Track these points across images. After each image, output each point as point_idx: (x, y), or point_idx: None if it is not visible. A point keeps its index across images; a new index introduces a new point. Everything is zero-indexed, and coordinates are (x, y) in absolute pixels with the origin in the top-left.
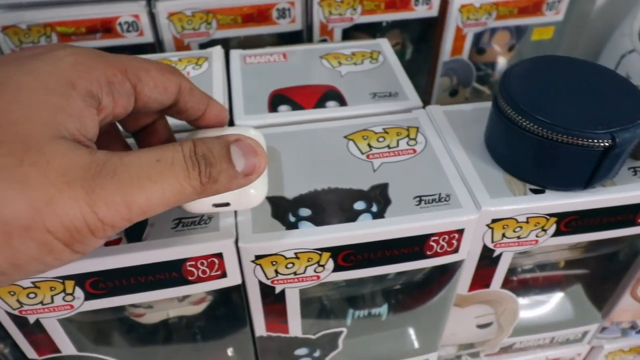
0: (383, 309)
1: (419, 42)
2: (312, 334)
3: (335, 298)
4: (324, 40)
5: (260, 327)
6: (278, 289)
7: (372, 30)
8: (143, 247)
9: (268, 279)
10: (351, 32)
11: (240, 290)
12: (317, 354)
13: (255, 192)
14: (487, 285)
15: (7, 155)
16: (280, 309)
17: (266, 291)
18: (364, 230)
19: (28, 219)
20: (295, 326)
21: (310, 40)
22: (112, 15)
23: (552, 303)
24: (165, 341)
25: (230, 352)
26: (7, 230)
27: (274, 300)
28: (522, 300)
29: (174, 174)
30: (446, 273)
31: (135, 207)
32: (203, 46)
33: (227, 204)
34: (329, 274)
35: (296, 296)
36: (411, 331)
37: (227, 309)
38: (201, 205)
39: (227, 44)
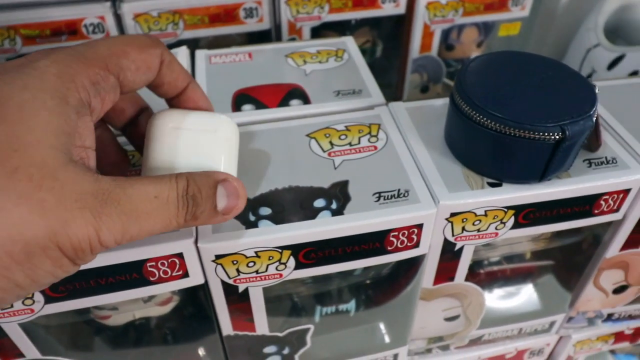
0: (351, 305)
1: (389, 40)
2: (279, 332)
3: (302, 295)
4: (293, 39)
5: (226, 326)
6: (241, 287)
7: (341, 29)
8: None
9: (230, 278)
10: (321, 31)
11: (204, 289)
12: (286, 351)
13: None
14: (452, 279)
15: (26, 181)
16: (245, 307)
17: (229, 290)
18: (323, 227)
19: (46, 240)
20: (261, 324)
21: (279, 39)
22: (77, 17)
23: (520, 294)
24: (135, 343)
25: (201, 352)
26: (29, 251)
27: (238, 299)
28: (491, 293)
29: (167, 212)
30: (410, 268)
31: (129, 234)
32: (171, 47)
33: None
34: (291, 272)
35: (260, 294)
36: (380, 326)
37: (194, 308)
38: None
39: (196, 45)
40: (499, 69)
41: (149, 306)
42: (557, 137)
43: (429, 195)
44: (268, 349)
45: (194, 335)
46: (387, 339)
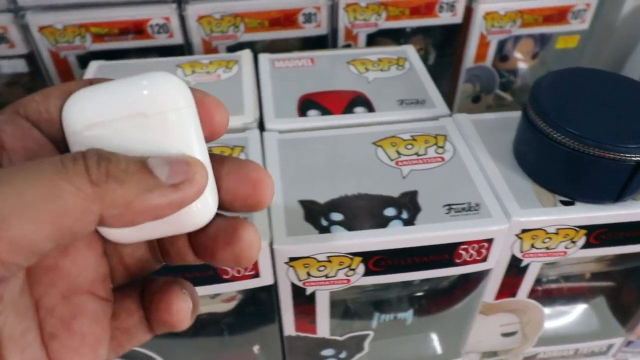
0: (408, 314)
1: (442, 48)
2: (339, 336)
3: (361, 301)
4: (348, 45)
5: (289, 326)
6: (309, 290)
7: (396, 36)
8: None
9: (300, 280)
10: (375, 37)
11: (270, 290)
12: (343, 355)
13: (201, 207)
14: (514, 295)
15: None
16: (310, 309)
17: (297, 292)
18: (395, 236)
19: None
20: (323, 327)
21: (334, 44)
22: (144, 18)
23: (576, 314)
24: (193, 335)
25: (256, 349)
26: None
27: (304, 301)
28: (547, 311)
29: (39, 172)
30: (473, 281)
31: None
32: (230, 49)
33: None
34: (359, 278)
35: (326, 298)
36: (435, 336)
37: (257, 307)
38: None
39: (253, 47)
40: (574, 85)
41: (215, 302)
42: (639, 158)
43: (501, 210)
44: (326, 352)
45: (254, 333)
46: (441, 350)
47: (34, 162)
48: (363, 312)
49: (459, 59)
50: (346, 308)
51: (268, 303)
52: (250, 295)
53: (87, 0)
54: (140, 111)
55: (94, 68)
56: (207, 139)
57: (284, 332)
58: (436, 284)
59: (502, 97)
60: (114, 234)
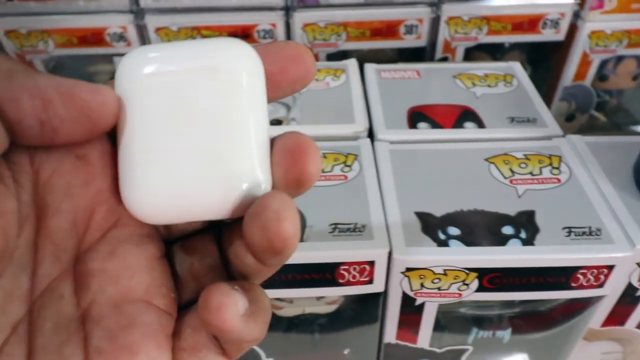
0: (507, 332)
1: (538, 64)
2: (437, 347)
3: (461, 315)
4: (445, 58)
5: (391, 334)
6: (419, 301)
7: (493, 50)
8: (302, 248)
9: (412, 290)
10: (472, 52)
11: (378, 297)
12: None
13: (251, 188)
14: (622, 323)
15: None
16: (415, 319)
17: (407, 302)
18: (515, 255)
19: None
20: (424, 338)
21: (431, 57)
22: (252, 23)
23: None
24: (286, 329)
25: (346, 352)
26: None
27: (411, 311)
28: None
29: None
30: (582, 305)
31: None
32: (330, 56)
33: None
34: (471, 294)
35: (434, 310)
36: (532, 358)
37: (357, 312)
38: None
39: (349, 56)
40: None
41: (320, 303)
42: None
43: (624, 236)
44: None
45: (348, 336)
46: None
47: None
48: (461, 327)
49: (556, 76)
50: (446, 320)
51: (371, 309)
52: (354, 300)
53: (202, 5)
54: (213, 65)
55: None
56: (293, 189)
57: (383, 338)
58: (541, 304)
59: (595, 117)
60: (136, 211)
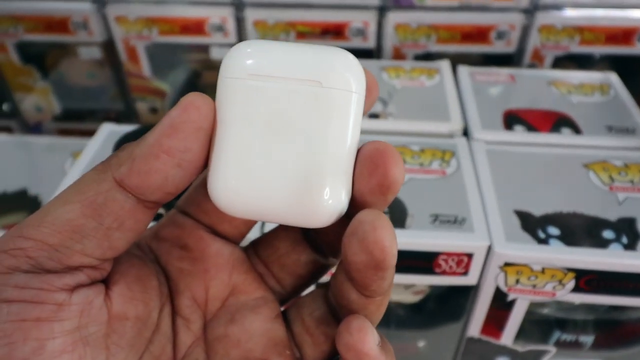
0: (589, 339)
1: (626, 78)
2: (520, 346)
3: (543, 315)
4: (533, 65)
5: (475, 328)
6: (511, 297)
7: (581, 61)
8: (403, 235)
9: (506, 286)
10: (561, 61)
11: (468, 290)
12: None
13: (331, 199)
14: None
15: None
16: (503, 315)
17: (498, 297)
18: (618, 259)
19: None
20: (509, 335)
21: (519, 63)
22: (346, 20)
23: None
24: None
25: (421, 344)
26: None
27: (501, 307)
28: None
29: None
30: None
31: None
32: (417, 57)
33: None
34: (566, 294)
35: (524, 307)
36: None
37: (442, 305)
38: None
39: (433, 58)
40: None
41: (406, 293)
42: None
43: None
44: (500, 359)
45: (431, 328)
46: None
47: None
48: (544, 328)
49: None
50: (530, 320)
51: (459, 302)
52: (439, 292)
53: (299, 1)
54: (317, 79)
55: None
56: (378, 195)
57: (466, 332)
58: (628, 313)
59: None
60: (219, 201)
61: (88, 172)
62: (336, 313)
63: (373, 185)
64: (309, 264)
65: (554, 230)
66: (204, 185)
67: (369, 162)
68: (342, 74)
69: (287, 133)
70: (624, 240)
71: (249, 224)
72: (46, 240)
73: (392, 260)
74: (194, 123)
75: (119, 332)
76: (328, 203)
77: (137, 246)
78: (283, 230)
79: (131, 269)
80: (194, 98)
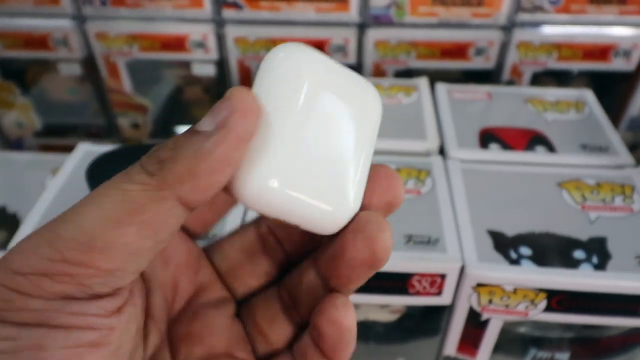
0: (565, 356)
1: (603, 93)
2: None
3: (519, 334)
4: (512, 82)
5: (451, 347)
6: (484, 316)
7: (560, 77)
8: None
9: (480, 306)
10: (539, 76)
11: (443, 310)
12: None
13: (340, 205)
14: None
15: None
16: (477, 334)
17: (472, 316)
18: (588, 280)
19: None
20: (484, 353)
21: (497, 79)
22: (326, 37)
23: None
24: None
25: None
26: None
27: (475, 326)
28: None
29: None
30: None
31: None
32: (398, 73)
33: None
34: (538, 314)
35: (498, 326)
36: None
37: (419, 323)
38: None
39: (414, 74)
40: None
41: (383, 312)
42: None
43: None
44: None
45: (404, 345)
46: None
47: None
48: (520, 346)
49: (622, 106)
50: (505, 338)
51: (434, 321)
52: (417, 311)
53: (279, 19)
54: (359, 94)
55: None
56: (384, 211)
57: (443, 351)
58: (602, 331)
59: None
60: (245, 195)
61: (133, 187)
62: (289, 311)
63: (384, 201)
64: (264, 275)
65: (525, 251)
66: None
67: (385, 180)
68: (374, 96)
69: (324, 134)
70: (594, 260)
71: (212, 223)
72: (100, 266)
73: (386, 261)
74: (253, 130)
75: (134, 343)
76: (348, 211)
77: None
78: (239, 238)
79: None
80: (250, 102)
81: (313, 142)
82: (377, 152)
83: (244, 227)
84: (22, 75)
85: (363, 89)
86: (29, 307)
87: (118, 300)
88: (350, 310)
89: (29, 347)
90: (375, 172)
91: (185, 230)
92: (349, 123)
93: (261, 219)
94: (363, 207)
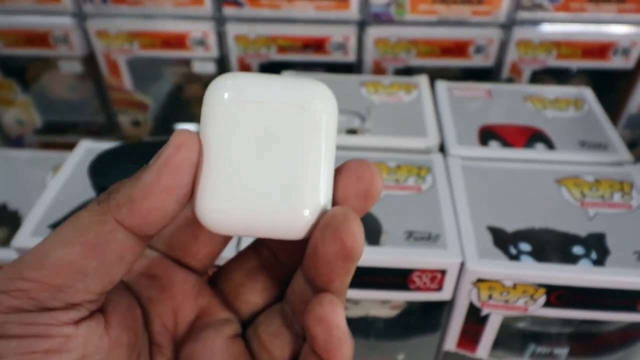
0: (564, 351)
1: (602, 91)
2: (496, 359)
3: (519, 329)
4: (511, 80)
5: (451, 342)
6: (484, 312)
7: (559, 75)
8: (378, 252)
9: (480, 301)
10: (538, 74)
11: (443, 305)
12: None
13: (307, 214)
14: None
15: None
16: (477, 329)
17: (472, 312)
18: (587, 275)
19: None
20: (484, 348)
21: (497, 77)
22: (326, 35)
23: None
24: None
25: (400, 357)
26: None
27: (475, 321)
28: None
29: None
30: None
31: None
32: (398, 71)
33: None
34: (537, 309)
35: (498, 321)
36: None
37: (420, 319)
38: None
39: (413, 72)
40: None
41: (384, 307)
42: None
43: None
44: None
45: (405, 342)
46: None
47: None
48: (519, 341)
49: (621, 103)
50: (505, 334)
51: (434, 317)
52: (417, 307)
53: (280, 16)
54: (299, 103)
55: None
56: (361, 201)
57: (443, 346)
58: (600, 326)
59: None
60: (207, 221)
61: (83, 213)
62: (291, 324)
63: (360, 191)
64: (264, 291)
65: (525, 246)
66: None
67: (356, 171)
68: (317, 97)
69: (268, 151)
70: (593, 256)
71: (213, 257)
72: (49, 282)
73: (360, 251)
74: (187, 160)
75: (116, 359)
76: (306, 214)
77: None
78: (239, 260)
79: (122, 298)
80: (185, 137)
81: (259, 161)
82: (378, 150)
83: (244, 250)
84: (23, 72)
85: (306, 93)
86: None
87: (72, 314)
88: (338, 307)
89: None
90: (346, 166)
91: (184, 265)
92: (294, 133)
93: (257, 241)
94: (339, 202)
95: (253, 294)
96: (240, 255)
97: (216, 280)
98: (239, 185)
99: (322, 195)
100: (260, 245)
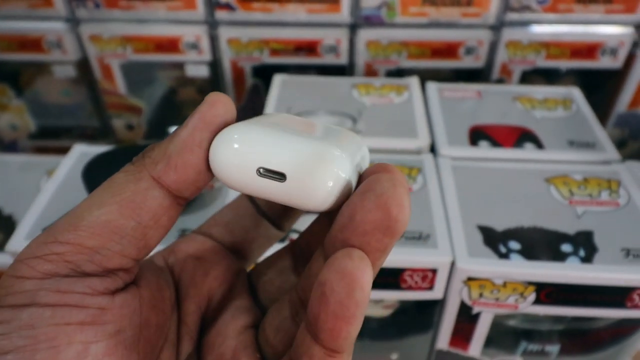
0: (555, 348)
1: (592, 91)
2: (487, 357)
3: (510, 327)
4: (501, 80)
5: (444, 341)
6: (475, 310)
7: (548, 75)
8: None
9: (471, 299)
10: (528, 75)
11: (435, 304)
12: None
13: (332, 185)
14: None
15: None
16: (469, 328)
17: (464, 310)
18: (575, 272)
19: None
20: (476, 346)
21: (487, 78)
22: (318, 38)
23: None
24: None
25: (394, 357)
26: None
27: (467, 320)
28: None
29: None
30: (633, 328)
31: None
32: (389, 73)
33: (282, 176)
34: (528, 307)
35: (489, 320)
36: None
37: (411, 319)
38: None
39: (405, 73)
40: None
41: (377, 307)
42: None
43: None
44: None
45: (398, 341)
46: None
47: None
48: (511, 339)
49: (610, 103)
50: (497, 332)
51: (426, 315)
52: (408, 306)
53: (272, 20)
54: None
55: (278, 81)
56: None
57: (435, 345)
58: (591, 323)
59: None
60: (224, 174)
61: (118, 174)
62: (296, 315)
63: (378, 220)
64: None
65: (514, 245)
66: (232, 208)
67: (379, 168)
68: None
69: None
70: (581, 253)
71: (264, 248)
72: (85, 244)
73: (404, 225)
74: (221, 117)
75: (145, 338)
76: (330, 185)
77: (153, 259)
78: (273, 258)
79: (153, 277)
80: (219, 95)
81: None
82: (370, 151)
83: (280, 249)
84: (16, 77)
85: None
86: (23, 289)
87: (108, 282)
88: (369, 268)
89: (20, 327)
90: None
91: (235, 252)
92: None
93: (294, 242)
94: (354, 235)
95: (281, 293)
96: (276, 253)
97: (251, 273)
98: (253, 133)
99: (352, 167)
100: (296, 242)
